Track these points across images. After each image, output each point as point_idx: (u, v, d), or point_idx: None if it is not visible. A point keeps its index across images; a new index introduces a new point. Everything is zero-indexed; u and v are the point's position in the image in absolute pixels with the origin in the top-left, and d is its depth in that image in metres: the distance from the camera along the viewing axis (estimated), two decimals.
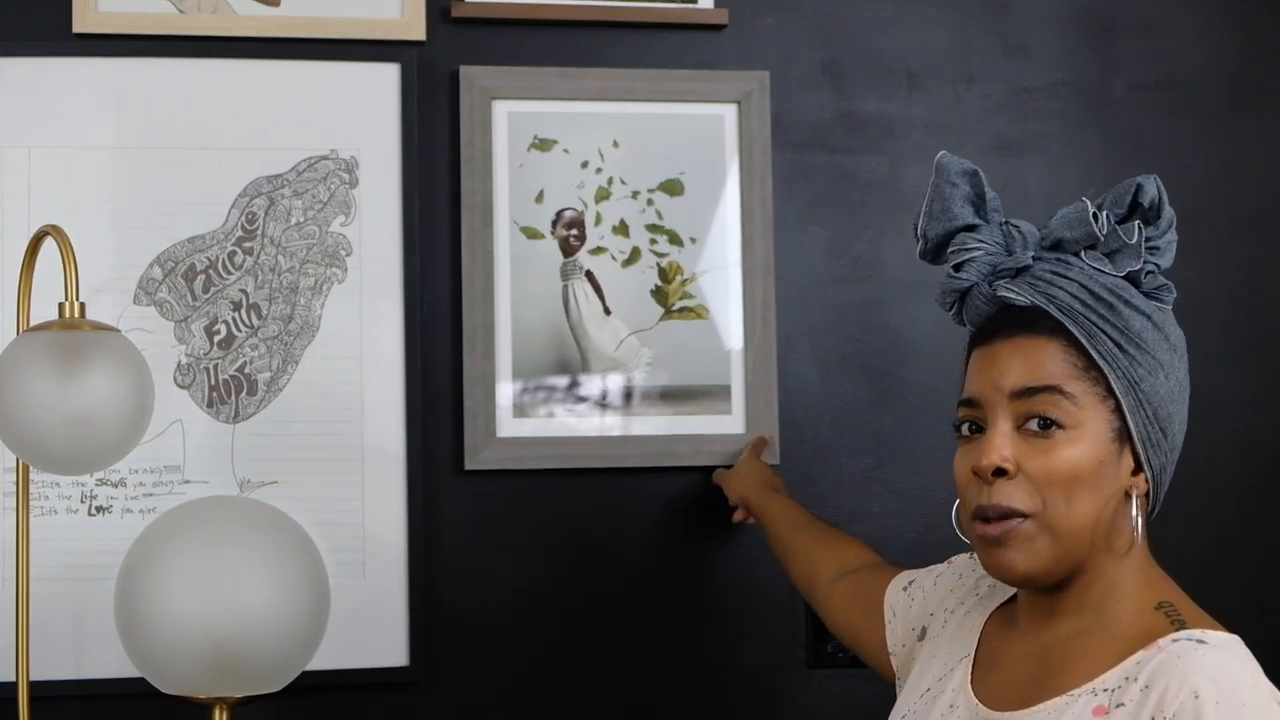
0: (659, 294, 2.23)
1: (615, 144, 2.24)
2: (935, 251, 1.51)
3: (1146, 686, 1.28)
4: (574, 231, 2.22)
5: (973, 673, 1.49)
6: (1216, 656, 1.29)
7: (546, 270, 2.21)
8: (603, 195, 2.23)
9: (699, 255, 2.24)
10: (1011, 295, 1.42)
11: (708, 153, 2.25)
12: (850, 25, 2.32)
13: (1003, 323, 1.43)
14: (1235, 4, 2.41)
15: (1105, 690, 1.32)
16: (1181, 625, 1.34)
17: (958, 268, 1.47)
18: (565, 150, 2.23)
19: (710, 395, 2.23)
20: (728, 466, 2.20)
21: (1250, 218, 2.39)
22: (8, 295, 2.03)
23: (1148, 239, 1.45)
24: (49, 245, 1.84)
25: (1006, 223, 1.48)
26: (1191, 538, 2.33)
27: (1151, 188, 1.44)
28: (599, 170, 2.23)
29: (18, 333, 1.87)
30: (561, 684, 2.20)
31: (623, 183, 2.24)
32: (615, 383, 2.21)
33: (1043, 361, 1.39)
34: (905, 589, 1.70)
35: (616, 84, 2.24)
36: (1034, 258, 1.44)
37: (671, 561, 2.22)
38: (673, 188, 2.25)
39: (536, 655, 2.19)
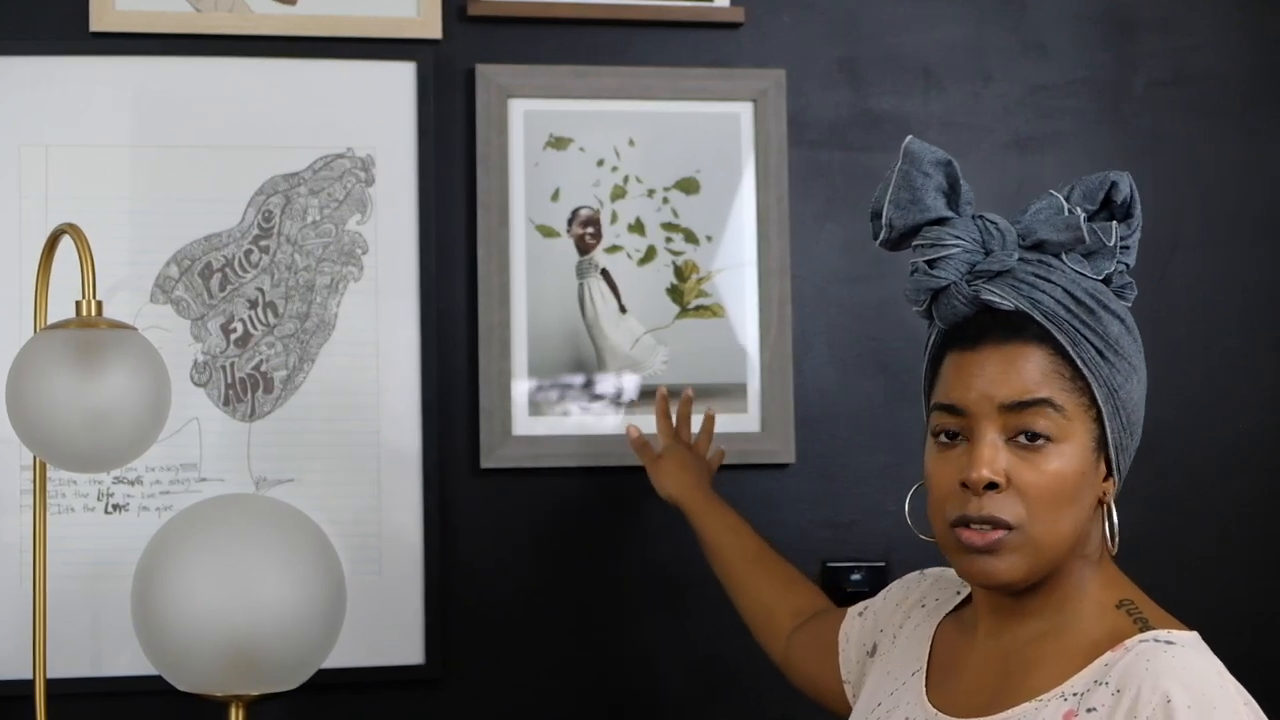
0: (675, 292, 2.23)
1: (631, 142, 2.24)
2: (899, 241, 1.44)
3: (1118, 690, 1.27)
4: (590, 230, 2.22)
5: (928, 682, 1.47)
6: (1185, 657, 1.28)
7: (562, 268, 2.21)
8: (618, 193, 2.23)
9: (715, 253, 2.24)
10: (995, 299, 1.37)
11: (724, 151, 2.25)
12: (867, 23, 2.32)
13: (986, 327, 1.38)
14: (1254, 1, 2.40)
15: (1074, 694, 1.31)
16: (1145, 624, 1.34)
17: (932, 264, 1.40)
18: (581, 148, 2.22)
19: (726, 394, 2.22)
20: (747, 466, 2.20)
21: (1269, 215, 2.38)
22: (25, 293, 2.03)
23: (1121, 238, 1.41)
24: (66, 243, 1.84)
25: (980, 217, 1.41)
26: (1204, 538, 2.33)
27: (1125, 185, 1.41)
28: (615, 168, 2.23)
29: (35, 331, 1.87)
30: (577, 682, 2.20)
31: (639, 181, 2.23)
32: (631, 381, 2.21)
33: (1033, 373, 1.35)
34: (860, 614, 1.69)
35: (632, 82, 2.24)
36: (1018, 259, 1.39)
37: (688, 558, 2.22)
38: (689, 186, 2.24)
39: (553, 653, 2.19)
